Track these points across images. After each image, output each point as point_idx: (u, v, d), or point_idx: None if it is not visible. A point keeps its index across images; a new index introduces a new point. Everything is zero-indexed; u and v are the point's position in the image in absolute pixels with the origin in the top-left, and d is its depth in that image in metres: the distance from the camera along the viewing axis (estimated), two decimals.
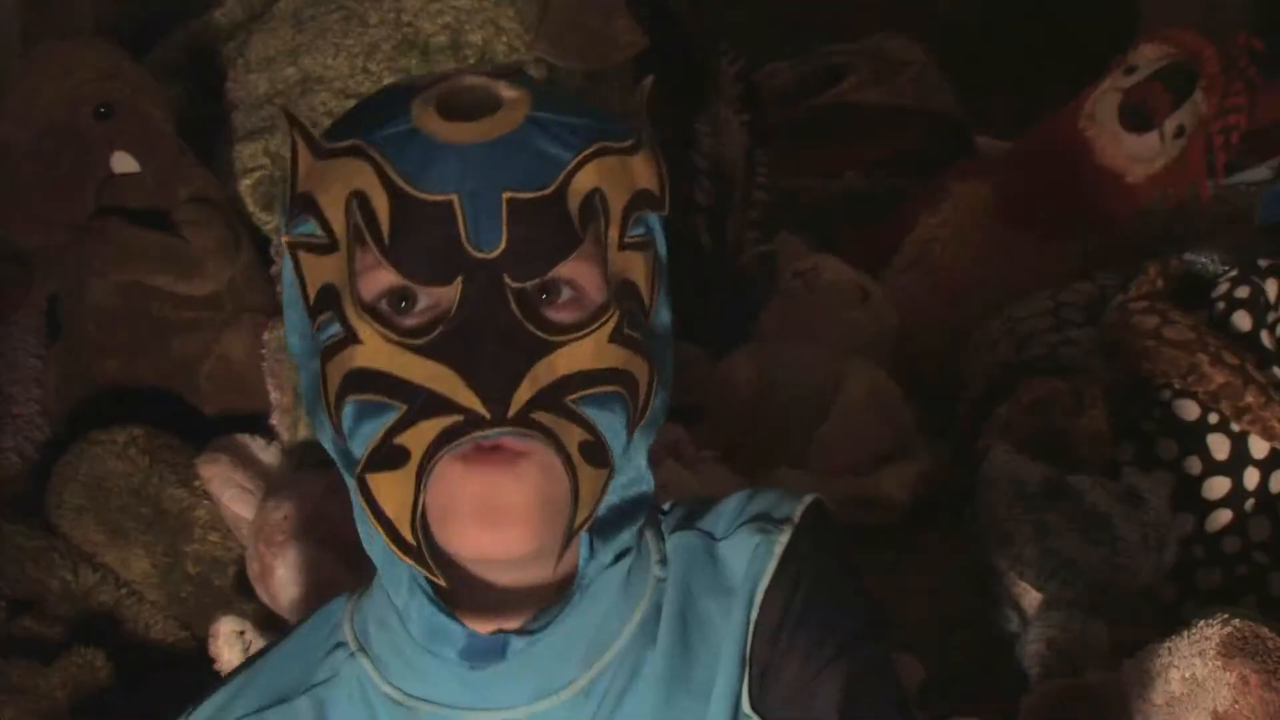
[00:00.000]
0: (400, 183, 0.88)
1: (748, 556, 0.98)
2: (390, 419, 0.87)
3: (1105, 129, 2.24)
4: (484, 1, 2.05)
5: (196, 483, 1.78)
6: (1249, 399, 1.84)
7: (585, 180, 0.90)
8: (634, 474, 0.97)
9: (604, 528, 0.95)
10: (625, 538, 0.97)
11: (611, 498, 0.95)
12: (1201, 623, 1.48)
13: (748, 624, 0.97)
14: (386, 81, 2.03)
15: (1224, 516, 1.88)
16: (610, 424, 0.91)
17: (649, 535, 1.00)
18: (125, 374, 1.90)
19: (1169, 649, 1.49)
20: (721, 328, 2.35)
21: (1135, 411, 1.96)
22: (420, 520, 0.88)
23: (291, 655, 1.02)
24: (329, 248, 0.90)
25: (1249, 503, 1.88)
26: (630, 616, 0.97)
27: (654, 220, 0.96)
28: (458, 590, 0.93)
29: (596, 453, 0.90)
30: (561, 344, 0.89)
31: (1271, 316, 1.93)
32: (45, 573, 1.74)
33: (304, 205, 0.91)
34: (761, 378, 2.15)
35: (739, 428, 2.00)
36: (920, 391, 2.26)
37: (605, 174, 0.91)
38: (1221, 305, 1.96)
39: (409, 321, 0.89)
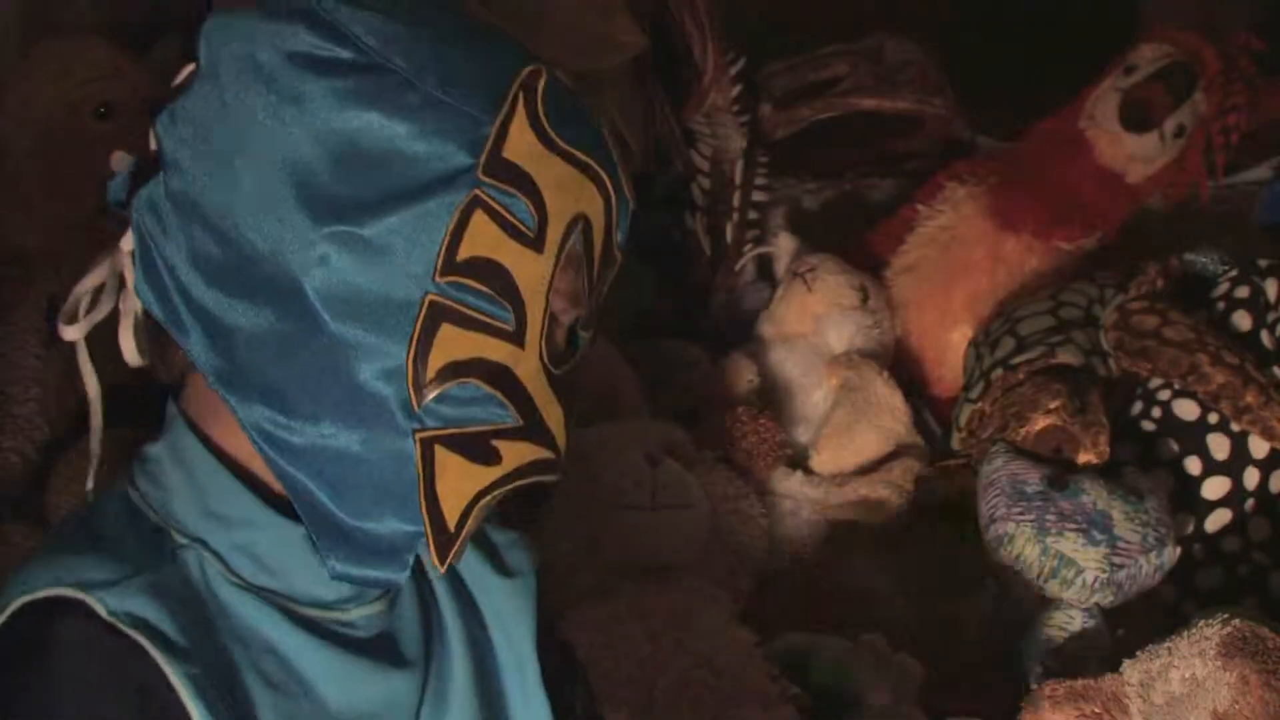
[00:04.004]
0: (616, 231, 0.91)
1: None
2: (503, 423, 0.89)
3: (1105, 129, 2.24)
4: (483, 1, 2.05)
5: None
6: (1249, 399, 1.84)
7: None
8: None
9: None
10: None
11: None
12: (1201, 623, 1.48)
13: None
14: None
15: (1224, 516, 1.88)
16: None
17: None
18: (125, 374, 1.90)
19: (1169, 649, 1.49)
20: (721, 328, 2.35)
21: (1135, 411, 1.96)
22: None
23: (99, 540, 0.97)
24: (532, 245, 0.87)
25: (1249, 503, 1.88)
26: None
27: None
28: None
29: None
30: None
31: (1271, 316, 1.93)
32: None
33: (520, 185, 0.86)
34: (761, 378, 2.15)
35: (739, 428, 2.00)
36: (920, 391, 2.26)
37: None
38: (1221, 305, 1.96)
39: (561, 348, 0.92)
